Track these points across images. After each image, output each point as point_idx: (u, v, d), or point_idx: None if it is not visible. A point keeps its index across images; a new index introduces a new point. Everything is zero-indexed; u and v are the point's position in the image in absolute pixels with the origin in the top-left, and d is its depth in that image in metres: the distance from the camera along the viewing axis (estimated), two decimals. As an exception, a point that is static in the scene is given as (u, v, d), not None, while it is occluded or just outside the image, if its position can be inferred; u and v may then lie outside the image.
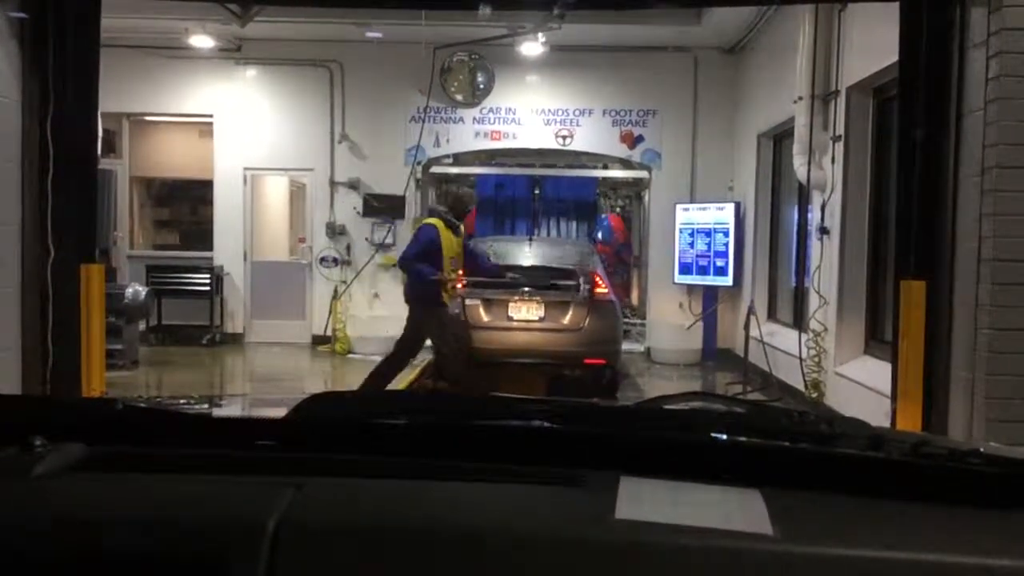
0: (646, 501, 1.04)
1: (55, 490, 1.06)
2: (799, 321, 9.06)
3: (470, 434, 1.28)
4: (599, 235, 15.53)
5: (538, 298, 8.85)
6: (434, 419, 1.41)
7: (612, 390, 9.05)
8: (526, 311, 8.86)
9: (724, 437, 1.31)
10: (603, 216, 16.17)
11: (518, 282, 8.93)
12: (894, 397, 5.06)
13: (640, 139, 12.31)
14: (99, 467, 1.13)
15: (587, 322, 8.79)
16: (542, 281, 8.98)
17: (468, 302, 8.87)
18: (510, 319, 8.82)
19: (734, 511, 1.02)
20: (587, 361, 8.77)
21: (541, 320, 8.78)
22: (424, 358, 11.43)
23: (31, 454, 1.12)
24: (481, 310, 8.87)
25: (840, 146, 7.87)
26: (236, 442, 1.28)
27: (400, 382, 9.64)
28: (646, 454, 1.17)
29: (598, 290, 9.02)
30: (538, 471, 1.12)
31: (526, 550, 0.95)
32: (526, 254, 9.84)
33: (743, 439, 1.29)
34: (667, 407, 1.66)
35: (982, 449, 1.21)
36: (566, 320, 8.83)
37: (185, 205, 13.81)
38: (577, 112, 12.28)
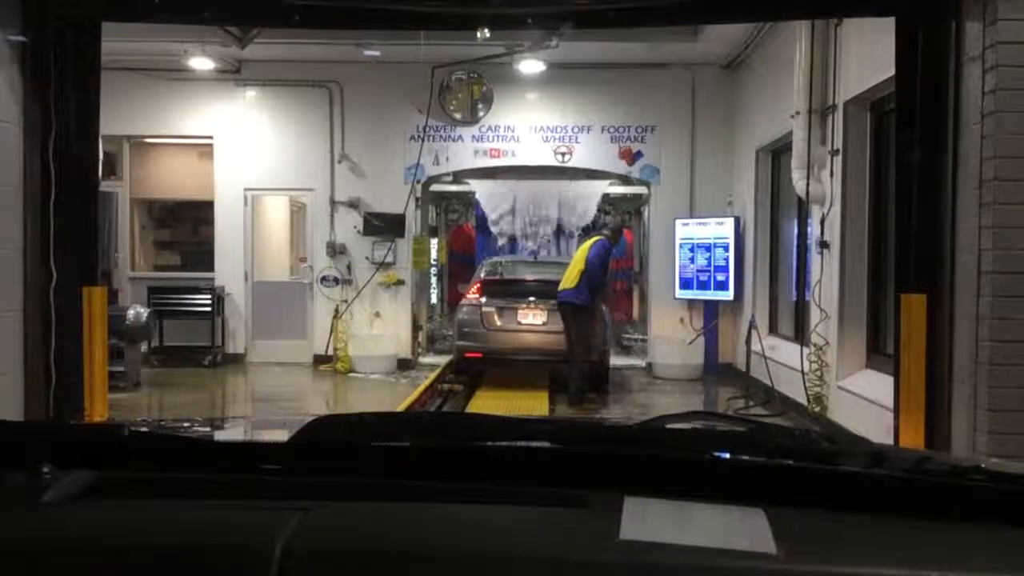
0: (650, 521, 1.04)
1: (64, 517, 1.07)
2: (800, 335, 9.06)
3: (473, 456, 1.29)
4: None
5: (542, 306, 10.30)
6: (438, 441, 1.42)
7: (603, 382, 10.43)
8: (532, 317, 10.39)
9: (727, 456, 1.32)
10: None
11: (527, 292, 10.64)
12: (896, 411, 5.06)
13: (639, 155, 12.34)
14: (107, 493, 1.13)
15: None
16: (545, 292, 10.28)
17: (485, 309, 10.40)
18: (519, 323, 10.33)
19: (738, 530, 1.03)
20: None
21: (544, 324, 10.27)
22: (430, 363, 11.50)
23: (39, 481, 1.13)
24: (495, 315, 10.37)
25: (838, 160, 7.89)
26: (241, 466, 1.29)
27: (406, 397, 9.65)
28: (649, 474, 1.17)
29: None
30: (541, 492, 1.12)
31: (531, 572, 0.96)
32: (532, 270, 11.73)
33: (745, 458, 1.29)
34: (669, 426, 1.67)
35: (983, 465, 1.22)
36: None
37: (186, 226, 13.84)
38: (576, 129, 12.32)
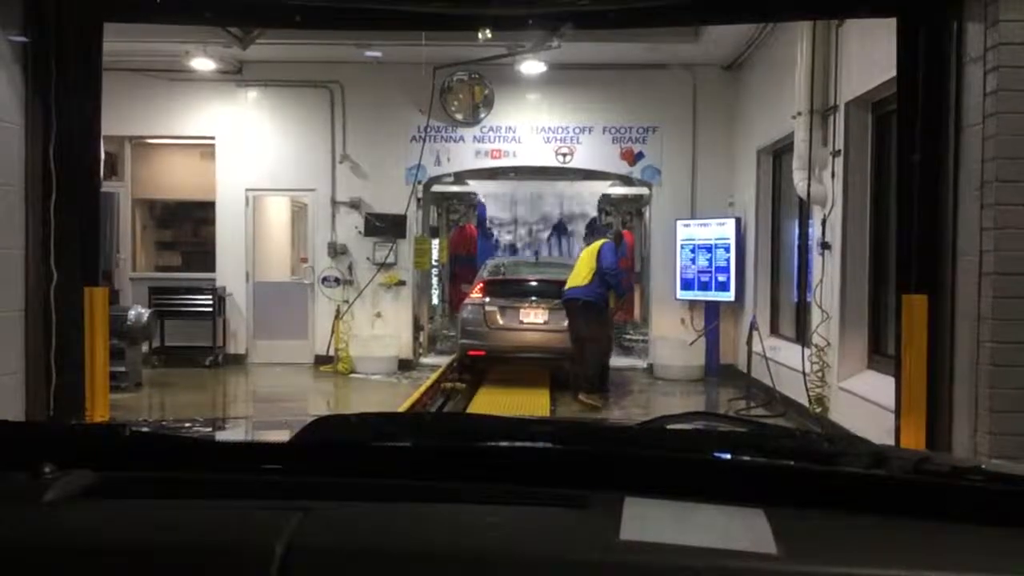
0: (650, 522, 1.04)
1: (65, 517, 1.07)
2: (802, 336, 9.06)
3: (474, 456, 1.29)
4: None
5: (543, 305, 10.64)
6: (438, 441, 1.42)
7: (602, 381, 10.29)
8: (534, 316, 10.69)
9: (727, 456, 1.32)
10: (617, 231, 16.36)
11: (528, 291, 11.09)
12: (898, 411, 5.06)
13: (640, 156, 12.34)
14: (108, 493, 1.14)
15: None
16: (547, 292, 10.75)
17: (488, 308, 10.72)
18: (521, 322, 10.65)
19: (738, 531, 1.03)
20: None
21: (545, 323, 10.60)
22: (431, 364, 11.51)
23: (41, 481, 1.13)
24: (498, 314, 10.69)
25: (840, 161, 7.89)
26: (242, 466, 1.29)
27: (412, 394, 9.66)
28: (649, 474, 1.17)
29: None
30: (542, 492, 1.12)
31: (531, 572, 0.96)
32: (533, 271, 12.18)
33: (746, 458, 1.29)
34: (670, 427, 1.67)
35: (983, 466, 1.22)
36: (565, 323, 10.19)
37: (187, 226, 13.84)
38: (577, 130, 12.32)
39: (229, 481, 1.20)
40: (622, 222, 17.31)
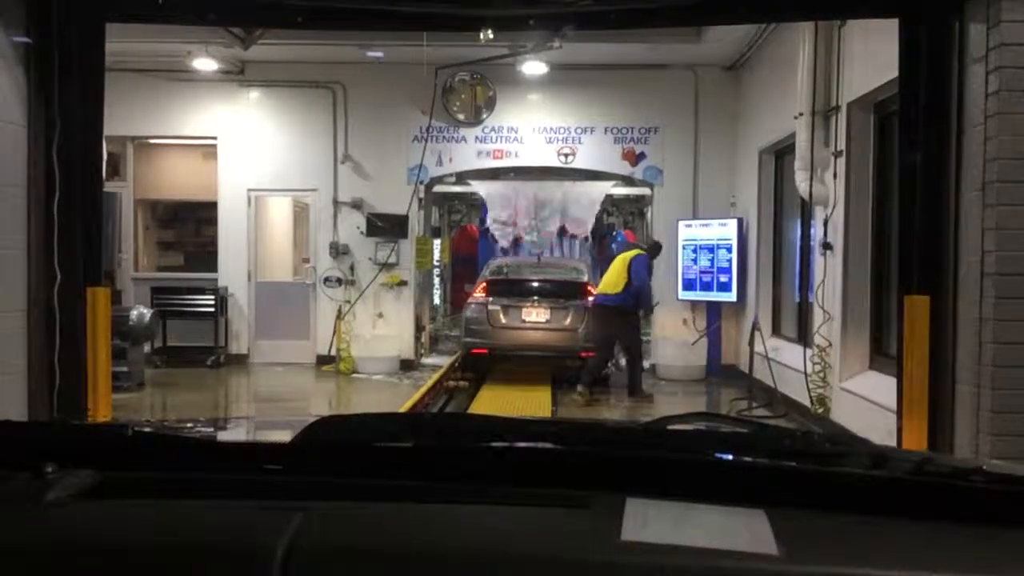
0: (652, 523, 1.04)
1: (67, 517, 1.07)
2: (804, 336, 9.05)
3: (476, 456, 1.29)
4: (614, 249, 15.79)
5: (545, 304, 10.95)
6: (439, 442, 1.42)
7: (603, 378, 10.72)
8: (536, 314, 10.94)
9: (729, 457, 1.32)
10: (619, 232, 16.39)
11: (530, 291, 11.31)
12: (899, 412, 5.05)
13: (642, 156, 12.34)
14: (110, 493, 1.14)
15: (582, 324, 10.69)
16: (548, 292, 11.14)
17: (491, 307, 10.99)
18: (523, 321, 10.91)
19: (739, 532, 1.03)
20: (582, 354, 10.59)
21: (547, 322, 10.89)
22: (432, 364, 11.51)
23: (43, 480, 1.13)
24: (501, 313, 10.94)
25: (842, 161, 7.88)
26: (244, 466, 1.29)
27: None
28: (651, 475, 1.17)
29: (590, 298, 10.87)
30: (543, 493, 1.12)
31: (531, 573, 0.96)
32: (535, 271, 12.22)
33: (747, 459, 1.29)
34: (672, 428, 1.67)
35: (985, 467, 1.22)
36: (567, 322, 10.82)
37: (189, 227, 13.86)
38: (579, 130, 12.32)
39: (231, 481, 1.21)
40: (624, 223, 17.31)
